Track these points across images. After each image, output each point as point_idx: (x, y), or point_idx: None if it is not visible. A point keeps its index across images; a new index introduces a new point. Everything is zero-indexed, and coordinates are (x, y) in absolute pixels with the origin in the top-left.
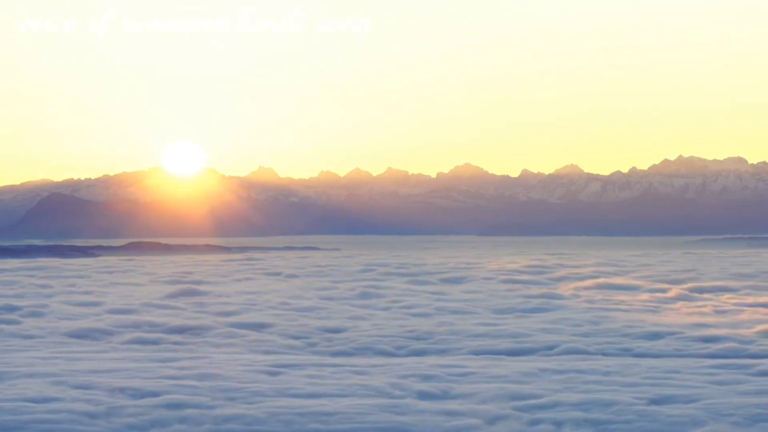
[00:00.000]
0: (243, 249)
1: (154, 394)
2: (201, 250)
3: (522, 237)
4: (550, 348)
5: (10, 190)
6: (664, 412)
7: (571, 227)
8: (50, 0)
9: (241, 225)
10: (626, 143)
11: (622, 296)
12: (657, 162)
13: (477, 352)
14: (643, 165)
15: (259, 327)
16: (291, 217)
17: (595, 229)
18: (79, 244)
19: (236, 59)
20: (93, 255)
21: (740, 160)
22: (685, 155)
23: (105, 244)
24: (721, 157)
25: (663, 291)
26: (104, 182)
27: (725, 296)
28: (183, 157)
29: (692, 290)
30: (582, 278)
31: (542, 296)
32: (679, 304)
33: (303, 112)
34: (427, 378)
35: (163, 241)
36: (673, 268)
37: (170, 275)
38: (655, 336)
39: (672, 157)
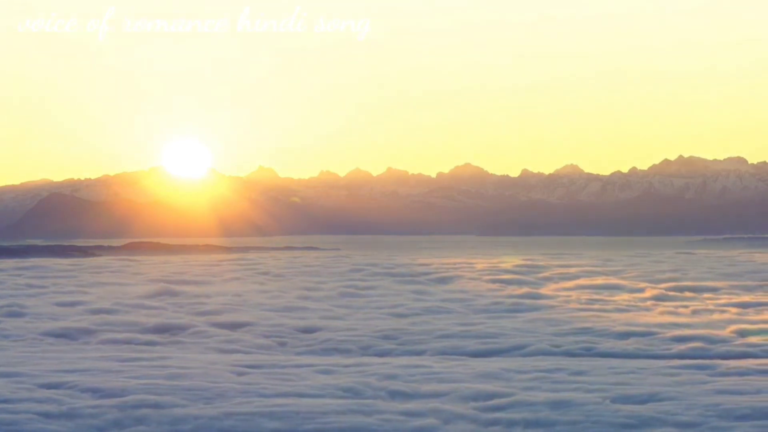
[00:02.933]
0: (243, 249)
1: (119, 394)
2: (200, 250)
3: (522, 237)
4: (519, 348)
5: (10, 190)
6: (614, 412)
7: (571, 227)
8: (50, 0)
9: (242, 225)
10: (626, 143)
11: (603, 296)
12: (657, 162)
13: (444, 353)
14: (643, 165)
15: (234, 326)
16: (291, 218)
17: (595, 229)
18: (79, 244)
19: (236, 59)
20: (92, 255)
21: (740, 160)
22: (685, 155)
23: (105, 244)
24: (721, 157)
25: (644, 291)
26: (104, 182)
27: (705, 296)
28: (183, 157)
29: (674, 290)
30: (568, 278)
31: (523, 296)
32: (658, 303)
33: (303, 112)
34: (390, 378)
35: (163, 241)
36: (662, 268)
37: (159, 275)
38: (625, 336)
39: (672, 157)
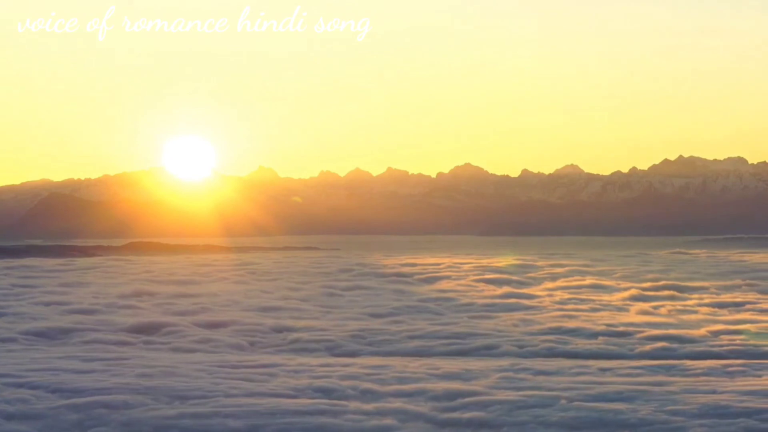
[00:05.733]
0: (242, 250)
1: (85, 395)
2: (199, 251)
3: (522, 237)
4: (489, 348)
5: (10, 190)
6: (565, 412)
7: (571, 227)
8: (50, 0)
9: (244, 225)
10: (626, 143)
11: (582, 296)
12: (657, 162)
13: (413, 353)
14: (643, 165)
15: (208, 326)
16: (292, 218)
17: (596, 229)
18: (78, 245)
19: (236, 59)
20: (92, 255)
21: (740, 160)
22: (685, 155)
23: (105, 245)
24: (721, 157)
25: (625, 291)
26: (104, 182)
27: (685, 295)
28: (183, 157)
29: (654, 290)
30: (553, 278)
31: (503, 296)
32: (635, 304)
33: (303, 112)
34: (354, 378)
35: (164, 241)
36: (650, 268)
37: (146, 275)
38: (596, 336)
39: (672, 157)
